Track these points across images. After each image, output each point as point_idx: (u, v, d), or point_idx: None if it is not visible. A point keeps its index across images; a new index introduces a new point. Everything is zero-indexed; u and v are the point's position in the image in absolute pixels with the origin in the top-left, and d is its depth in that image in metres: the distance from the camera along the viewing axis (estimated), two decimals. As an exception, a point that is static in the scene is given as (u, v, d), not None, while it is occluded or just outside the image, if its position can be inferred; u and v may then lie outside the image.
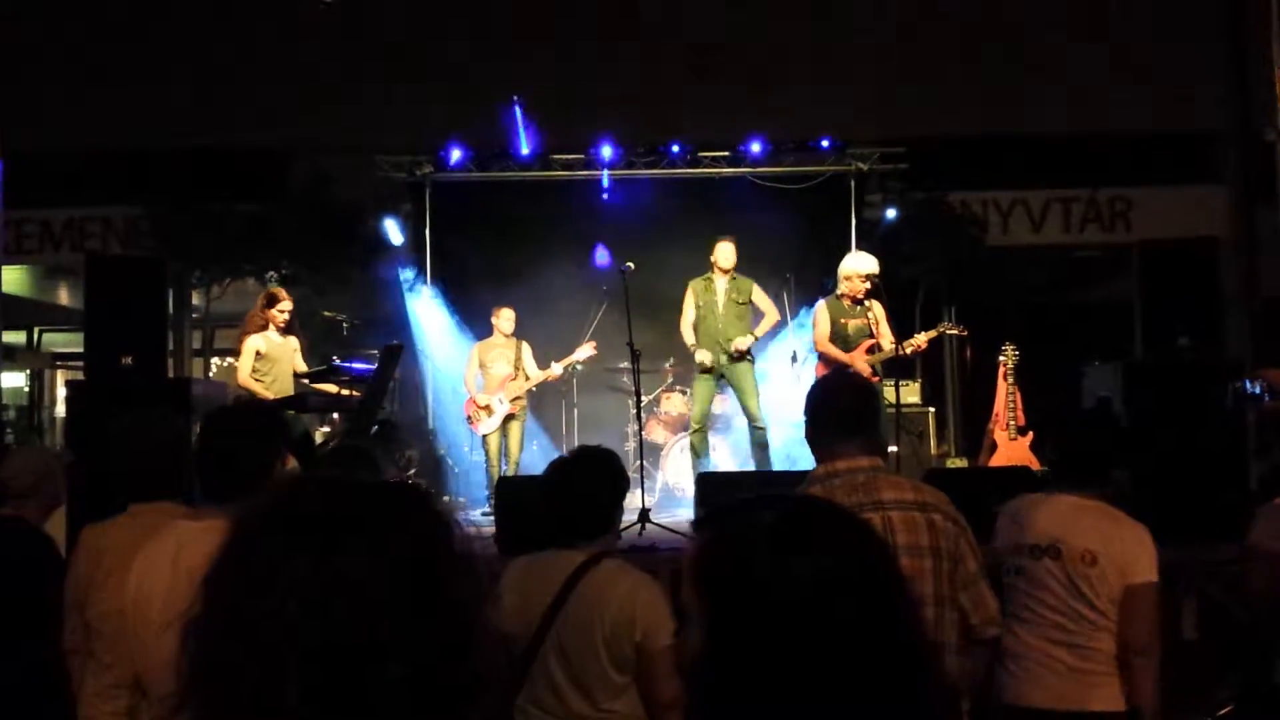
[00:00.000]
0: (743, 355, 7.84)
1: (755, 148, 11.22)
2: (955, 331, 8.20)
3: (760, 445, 7.83)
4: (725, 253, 8.09)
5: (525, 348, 8.99)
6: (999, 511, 3.53)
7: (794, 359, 9.15)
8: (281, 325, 7.55)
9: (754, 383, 7.94)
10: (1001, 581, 3.35)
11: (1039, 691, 3.31)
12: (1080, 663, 3.29)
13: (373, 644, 0.97)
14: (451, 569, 1.05)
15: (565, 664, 2.84)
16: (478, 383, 8.98)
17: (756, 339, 7.98)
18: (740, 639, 1.15)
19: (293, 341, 7.66)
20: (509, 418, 8.78)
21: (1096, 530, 3.34)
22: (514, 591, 2.88)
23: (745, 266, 8.29)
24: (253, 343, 7.44)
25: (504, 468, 8.68)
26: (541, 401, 10.18)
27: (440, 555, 1.04)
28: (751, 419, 7.88)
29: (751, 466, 8.00)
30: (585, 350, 8.75)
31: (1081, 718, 3.29)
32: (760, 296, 8.13)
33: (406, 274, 11.35)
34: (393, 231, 11.39)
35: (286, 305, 7.59)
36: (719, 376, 7.96)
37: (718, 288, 8.03)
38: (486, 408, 8.76)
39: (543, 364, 8.93)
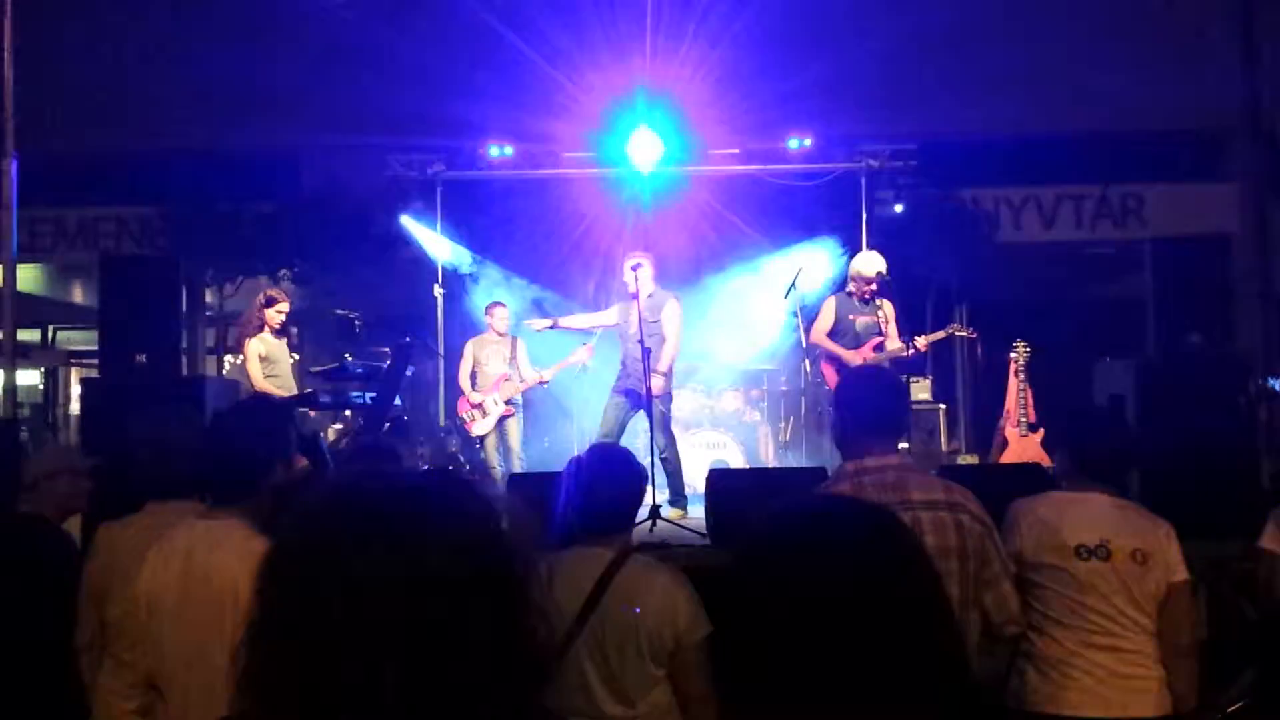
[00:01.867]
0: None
1: (766, 145, 11.23)
2: (964, 334, 8.19)
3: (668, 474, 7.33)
4: (628, 274, 7.44)
5: (521, 346, 8.95)
6: (1016, 512, 3.33)
7: (805, 356, 9.16)
8: (277, 327, 7.61)
9: (661, 416, 7.31)
10: (1027, 581, 3.22)
11: (1082, 698, 3.20)
12: (1123, 667, 3.20)
13: (459, 640, 0.99)
14: (513, 560, 1.07)
15: (602, 661, 2.83)
16: (471, 380, 8.97)
17: (664, 376, 7.30)
18: (770, 643, 1.14)
19: (284, 342, 7.75)
20: (504, 417, 8.76)
21: (1140, 529, 3.29)
22: (543, 593, 2.88)
23: (754, 265, 8.25)
24: (254, 346, 7.49)
25: (508, 464, 8.67)
26: (552, 398, 10.19)
27: (504, 546, 1.07)
28: (656, 447, 7.26)
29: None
30: (580, 354, 8.71)
31: None
32: (669, 317, 7.45)
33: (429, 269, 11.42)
34: (413, 228, 11.43)
35: (284, 307, 7.65)
36: (628, 396, 7.48)
37: (634, 307, 7.44)
38: (479, 406, 8.73)
39: (549, 361, 8.92)
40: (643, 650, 2.83)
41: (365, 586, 0.98)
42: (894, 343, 7.36)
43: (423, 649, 0.97)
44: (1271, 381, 6.01)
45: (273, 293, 7.76)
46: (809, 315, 8.24)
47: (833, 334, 7.55)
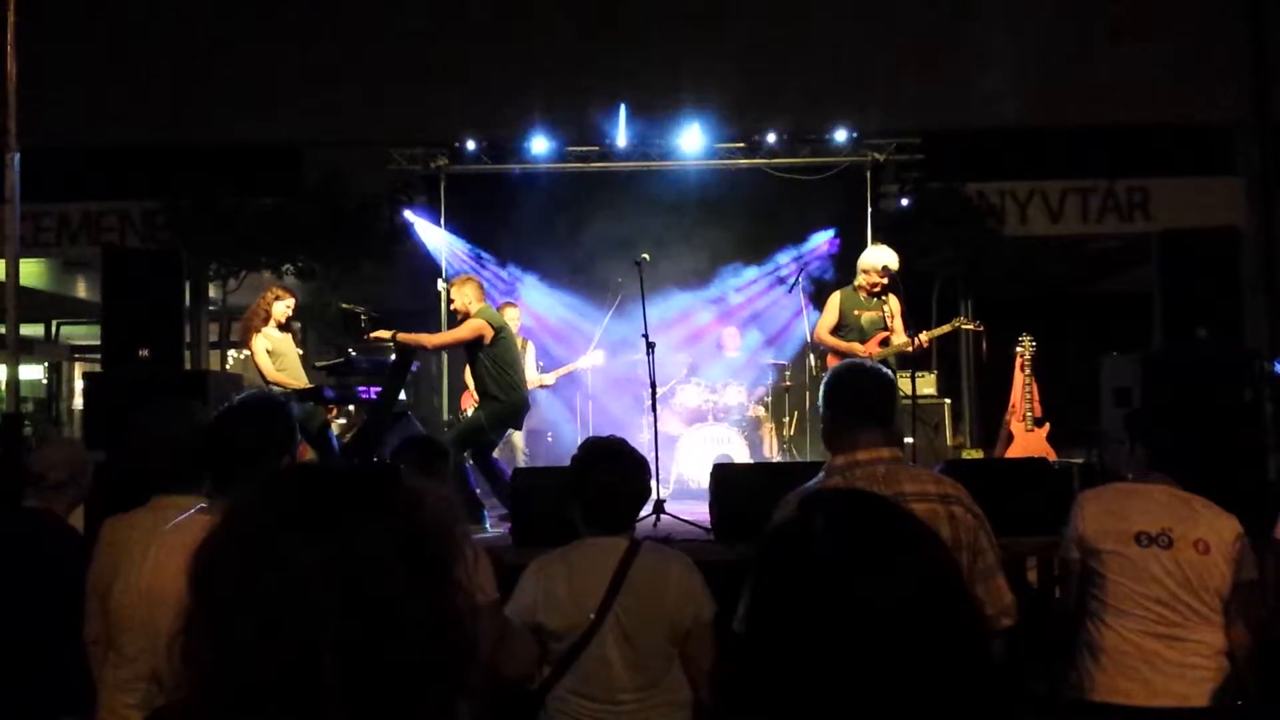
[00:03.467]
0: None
1: (771, 138, 11.21)
2: (970, 326, 8.14)
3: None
4: (451, 301, 7.34)
5: (530, 348, 8.96)
6: (1082, 498, 3.46)
7: (810, 348, 9.15)
8: (282, 321, 7.63)
9: (465, 426, 7.26)
10: (1087, 568, 3.33)
11: (1137, 686, 3.22)
12: (1181, 656, 3.22)
13: (394, 619, 1.01)
14: (442, 543, 1.09)
15: (626, 646, 2.89)
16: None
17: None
18: (806, 644, 1.13)
19: (289, 337, 7.77)
20: None
21: (1204, 520, 3.32)
22: (561, 584, 2.93)
23: (760, 259, 8.15)
24: (261, 342, 7.51)
25: (511, 460, 8.65)
26: (557, 393, 10.18)
27: (431, 530, 1.09)
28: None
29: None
30: (593, 358, 8.67)
31: (1180, 714, 3.21)
32: (459, 327, 7.24)
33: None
34: (420, 227, 11.42)
35: (290, 301, 7.68)
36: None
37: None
38: None
39: (556, 354, 8.92)
40: (665, 631, 2.93)
41: (301, 574, 1.00)
42: (900, 337, 7.31)
43: (357, 631, 0.99)
44: (1276, 366, 5.98)
45: (278, 289, 7.77)
46: (813, 309, 8.23)
47: (837, 330, 7.51)
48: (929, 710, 1.10)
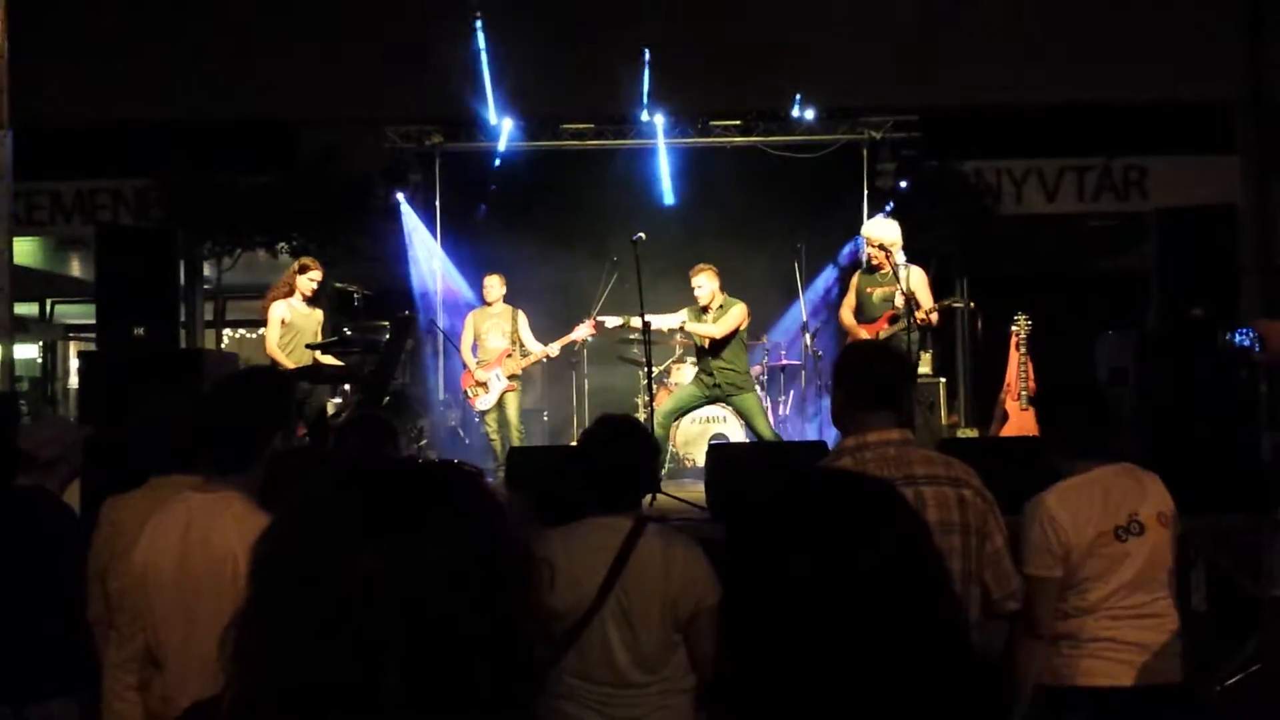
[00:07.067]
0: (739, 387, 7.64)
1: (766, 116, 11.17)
2: (960, 305, 8.09)
3: None
4: (697, 288, 7.74)
5: (521, 318, 8.90)
6: (1047, 509, 3.23)
7: (804, 328, 9.14)
8: (309, 295, 7.60)
9: (757, 405, 7.79)
10: (1075, 572, 3.21)
11: (1112, 668, 3.21)
12: (1153, 636, 3.21)
13: (462, 634, 0.97)
14: (512, 551, 1.04)
15: (626, 629, 2.85)
16: (473, 353, 8.95)
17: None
18: (777, 631, 1.12)
19: (318, 314, 7.73)
20: (505, 391, 8.76)
21: (1153, 491, 3.28)
22: (562, 563, 2.89)
23: (756, 237, 8.13)
24: (278, 310, 7.46)
25: (506, 438, 8.65)
26: (551, 373, 10.16)
27: (502, 538, 1.04)
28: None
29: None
30: (583, 329, 8.65)
31: (1150, 692, 3.20)
32: (727, 322, 7.65)
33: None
34: (406, 215, 11.40)
35: (317, 275, 7.66)
36: (714, 400, 7.83)
37: (706, 320, 7.76)
38: (484, 384, 8.72)
39: (551, 334, 8.89)
40: (666, 617, 2.87)
41: (365, 580, 0.95)
42: (927, 302, 7.20)
43: (421, 647, 0.95)
44: (1237, 337, 5.98)
45: (307, 261, 7.74)
46: (811, 289, 8.21)
47: (857, 310, 7.47)
48: (897, 691, 1.09)
